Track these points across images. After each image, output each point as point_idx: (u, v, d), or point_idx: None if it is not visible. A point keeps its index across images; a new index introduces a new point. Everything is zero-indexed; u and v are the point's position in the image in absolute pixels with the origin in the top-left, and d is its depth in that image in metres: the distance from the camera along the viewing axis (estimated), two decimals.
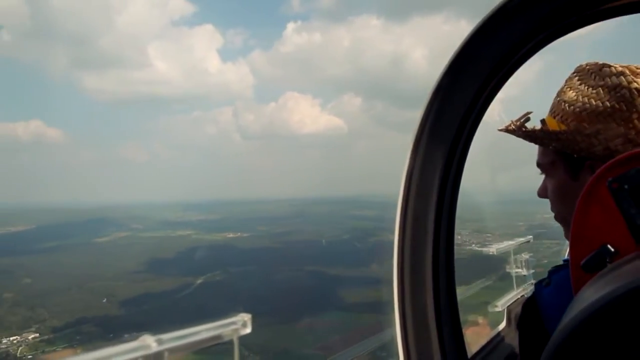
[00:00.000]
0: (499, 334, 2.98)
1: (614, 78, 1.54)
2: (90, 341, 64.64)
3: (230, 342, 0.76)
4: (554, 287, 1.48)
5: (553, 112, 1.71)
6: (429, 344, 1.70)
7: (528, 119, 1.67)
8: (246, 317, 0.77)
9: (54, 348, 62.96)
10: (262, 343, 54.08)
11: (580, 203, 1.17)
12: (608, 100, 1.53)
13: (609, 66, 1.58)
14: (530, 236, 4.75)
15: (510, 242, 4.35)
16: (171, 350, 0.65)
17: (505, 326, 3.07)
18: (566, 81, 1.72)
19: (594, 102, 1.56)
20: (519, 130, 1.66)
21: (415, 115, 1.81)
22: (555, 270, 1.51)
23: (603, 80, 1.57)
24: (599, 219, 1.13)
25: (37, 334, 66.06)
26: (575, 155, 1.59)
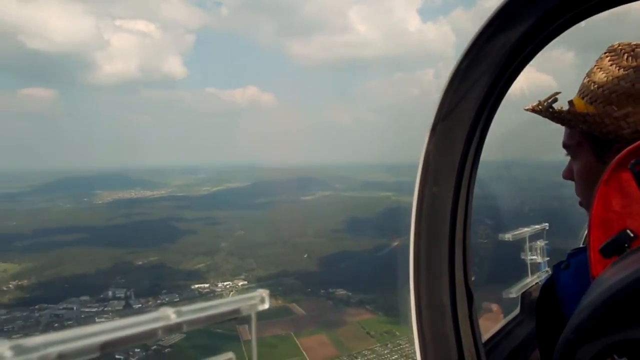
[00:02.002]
0: (513, 319, 3.15)
1: None
2: (290, 293, 67.99)
3: (248, 317, 0.78)
4: (573, 270, 1.47)
5: (582, 92, 1.66)
6: (443, 327, 1.72)
7: (555, 100, 1.63)
8: (264, 292, 0.79)
9: None
10: None
11: (600, 186, 1.17)
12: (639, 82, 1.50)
13: None
14: (546, 223, 4.14)
15: (526, 229, 4.01)
16: (189, 323, 0.68)
17: (520, 312, 3.23)
18: (597, 61, 1.67)
19: (624, 84, 1.52)
20: (546, 111, 1.63)
21: None
22: (574, 254, 1.50)
23: (636, 61, 1.54)
24: (619, 203, 1.13)
25: (246, 282, 71.73)
26: (603, 138, 1.56)
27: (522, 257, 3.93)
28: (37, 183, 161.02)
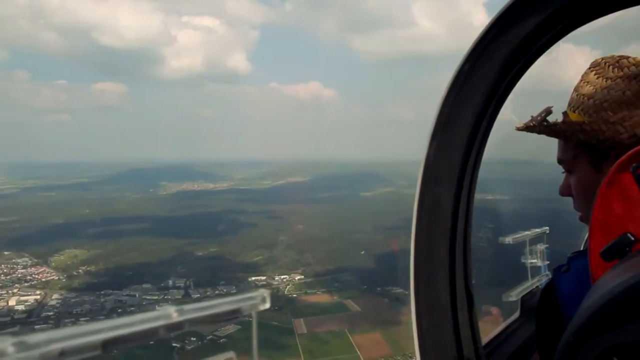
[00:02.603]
0: (513, 322, 3.15)
1: (632, 68, 1.56)
2: (346, 289, 67.66)
3: (249, 317, 0.79)
4: (573, 274, 1.48)
5: (572, 106, 1.68)
6: (443, 330, 1.73)
7: (550, 113, 1.64)
8: (265, 293, 0.80)
9: (314, 291, 67.76)
10: None
11: (602, 190, 1.17)
12: (629, 89, 1.54)
13: (627, 58, 1.60)
14: (547, 227, 4.28)
15: (526, 232, 4.11)
16: (191, 322, 0.69)
17: (520, 315, 3.22)
18: (582, 76, 1.71)
19: (614, 93, 1.57)
20: (540, 125, 1.63)
21: None
22: (575, 257, 1.51)
23: (622, 70, 1.58)
24: (620, 206, 1.13)
25: (302, 276, 72.03)
26: (601, 146, 1.57)
27: (523, 260, 3.85)
28: (108, 174, 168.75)
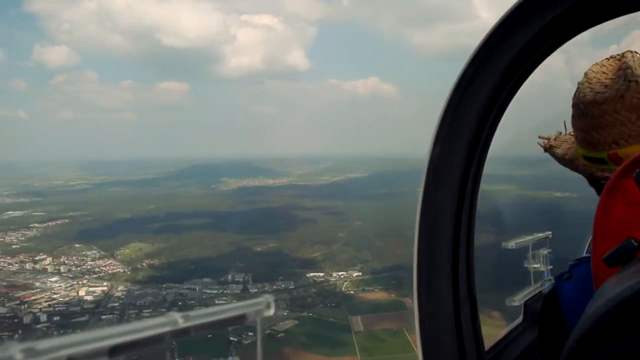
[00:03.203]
0: (516, 328, 3.17)
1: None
2: (403, 287, 66.69)
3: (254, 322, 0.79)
4: (575, 281, 1.50)
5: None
6: (446, 335, 1.73)
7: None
8: (270, 298, 0.79)
9: (372, 288, 67.19)
10: None
11: (604, 196, 1.17)
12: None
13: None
14: (549, 232, 4.19)
15: (529, 237, 4.07)
16: (197, 328, 0.69)
17: (523, 320, 3.25)
18: None
19: None
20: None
21: None
22: (577, 264, 1.52)
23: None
24: (623, 212, 1.13)
25: (360, 273, 71.62)
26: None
27: (525, 265, 3.79)
28: (171, 170, 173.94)
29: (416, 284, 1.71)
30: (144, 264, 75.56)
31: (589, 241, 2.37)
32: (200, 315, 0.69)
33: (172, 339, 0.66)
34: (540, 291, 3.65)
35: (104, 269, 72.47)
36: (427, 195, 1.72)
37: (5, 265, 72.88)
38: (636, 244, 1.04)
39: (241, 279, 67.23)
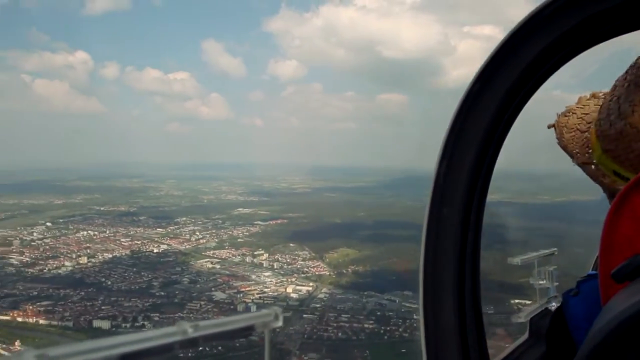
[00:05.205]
0: (522, 344, 3.18)
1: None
2: None
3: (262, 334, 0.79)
4: (583, 297, 1.50)
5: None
6: (452, 351, 1.76)
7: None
8: (277, 310, 0.79)
9: None
10: None
11: (611, 211, 1.15)
12: None
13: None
14: (555, 248, 3.97)
15: (534, 253, 3.87)
16: (205, 338, 0.70)
17: (528, 337, 3.24)
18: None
19: None
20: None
21: None
22: (584, 280, 1.53)
23: None
24: (631, 228, 1.11)
25: None
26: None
27: (531, 282, 3.75)
28: (382, 179, 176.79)
29: (422, 298, 1.70)
30: (349, 269, 77.07)
31: (595, 257, 2.36)
32: (210, 326, 0.70)
33: (181, 348, 0.67)
34: (546, 307, 3.49)
35: (312, 269, 75.86)
36: (433, 210, 1.71)
37: (230, 256, 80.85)
38: None
39: None
